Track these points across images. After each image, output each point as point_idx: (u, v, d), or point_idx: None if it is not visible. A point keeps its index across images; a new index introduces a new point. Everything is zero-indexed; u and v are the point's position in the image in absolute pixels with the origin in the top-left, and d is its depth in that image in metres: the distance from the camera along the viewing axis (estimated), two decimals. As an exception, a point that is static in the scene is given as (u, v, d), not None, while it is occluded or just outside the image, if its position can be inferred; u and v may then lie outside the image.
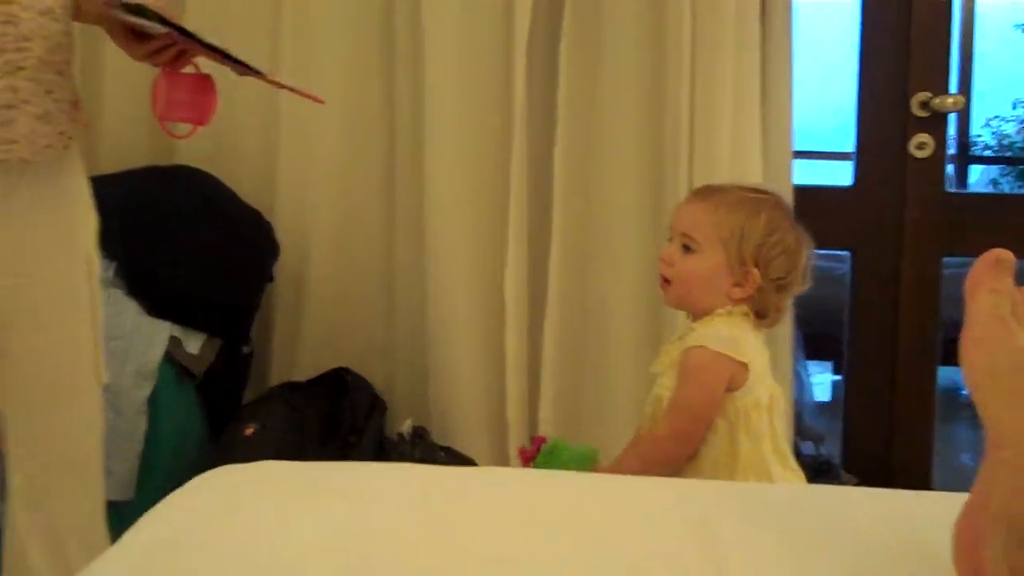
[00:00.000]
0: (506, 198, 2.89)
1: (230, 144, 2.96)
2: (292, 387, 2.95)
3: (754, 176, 2.79)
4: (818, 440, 3.42)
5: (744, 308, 1.99)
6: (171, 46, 1.89)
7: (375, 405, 2.92)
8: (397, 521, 1.36)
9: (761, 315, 2.00)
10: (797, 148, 2.91)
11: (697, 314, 2.01)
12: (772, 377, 2.02)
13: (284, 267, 3.05)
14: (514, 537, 1.34)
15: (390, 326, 3.07)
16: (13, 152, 1.84)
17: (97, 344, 2.06)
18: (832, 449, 3.34)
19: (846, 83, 3.14)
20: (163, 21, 1.83)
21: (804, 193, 2.92)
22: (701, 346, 1.93)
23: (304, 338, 3.09)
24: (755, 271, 1.94)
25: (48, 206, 1.96)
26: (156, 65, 1.93)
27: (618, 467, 1.98)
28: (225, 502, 1.42)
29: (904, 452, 3.17)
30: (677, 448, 1.94)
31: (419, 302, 2.98)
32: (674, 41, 2.78)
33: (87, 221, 2.04)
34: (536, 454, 2.08)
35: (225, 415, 2.86)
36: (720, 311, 1.97)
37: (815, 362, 4.14)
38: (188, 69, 1.95)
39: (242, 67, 1.93)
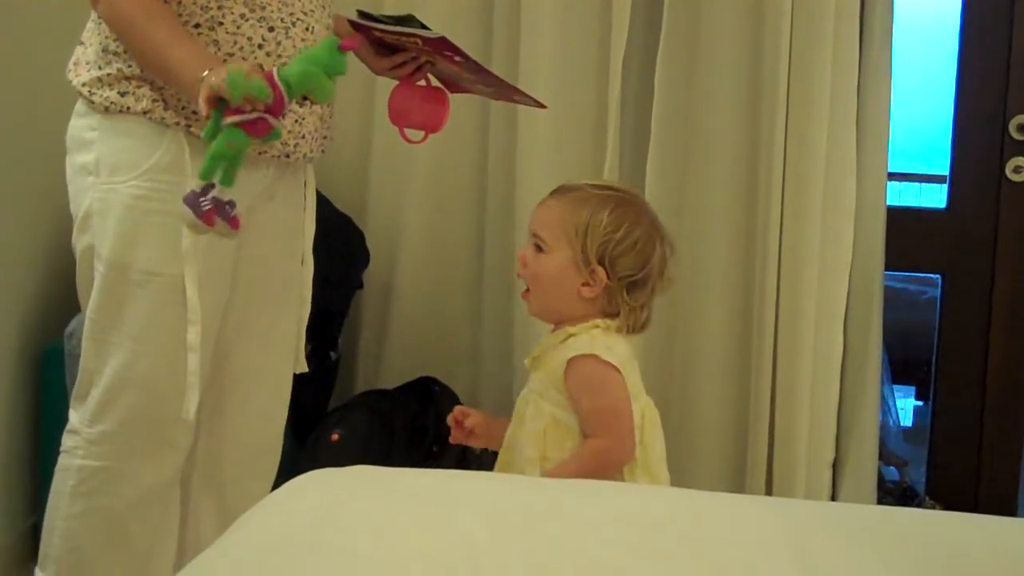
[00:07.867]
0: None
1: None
2: (378, 394, 2.98)
3: (848, 197, 2.77)
4: (901, 466, 3.38)
5: (613, 323, 1.92)
6: (412, 60, 2.08)
7: (460, 416, 2.93)
8: (496, 531, 1.37)
9: (631, 328, 1.93)
10: (891, 169, 2.87)
11: (559, 321, 1.96)
12: (644, 394, 1.95)
13: (373, 274, 3.09)
14: (608, 551, 1.35)
15: (477, 336, 3.08)
16: (300, 148, 2.00)
17: (300, 337, 2.18)
18: (914, 475, 3.30)
19: (942, 104, 3.10)
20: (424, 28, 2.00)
21: (896, 215, 2.89)
22: (592, 355, 1.87)
23: (390, 345, 3.12)
24: (600, 269, 1.89)
25: (292, 205, 2.12)
26: (396, 78, 2.13)
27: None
28: (325, 505, 1.45)
29: (990, 480, 3.12)
30: (624, 452, 1.87)
31: (507, 313, 2.99)
32: (770, 63, 2.77)
33: (310, 225, 2.18)
34: None
35: (311, 420, 2.89)
36: (599, 323, 1.91)
37: (898, 386, 4.08)
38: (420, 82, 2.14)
39: (491, 78, 2.14)
